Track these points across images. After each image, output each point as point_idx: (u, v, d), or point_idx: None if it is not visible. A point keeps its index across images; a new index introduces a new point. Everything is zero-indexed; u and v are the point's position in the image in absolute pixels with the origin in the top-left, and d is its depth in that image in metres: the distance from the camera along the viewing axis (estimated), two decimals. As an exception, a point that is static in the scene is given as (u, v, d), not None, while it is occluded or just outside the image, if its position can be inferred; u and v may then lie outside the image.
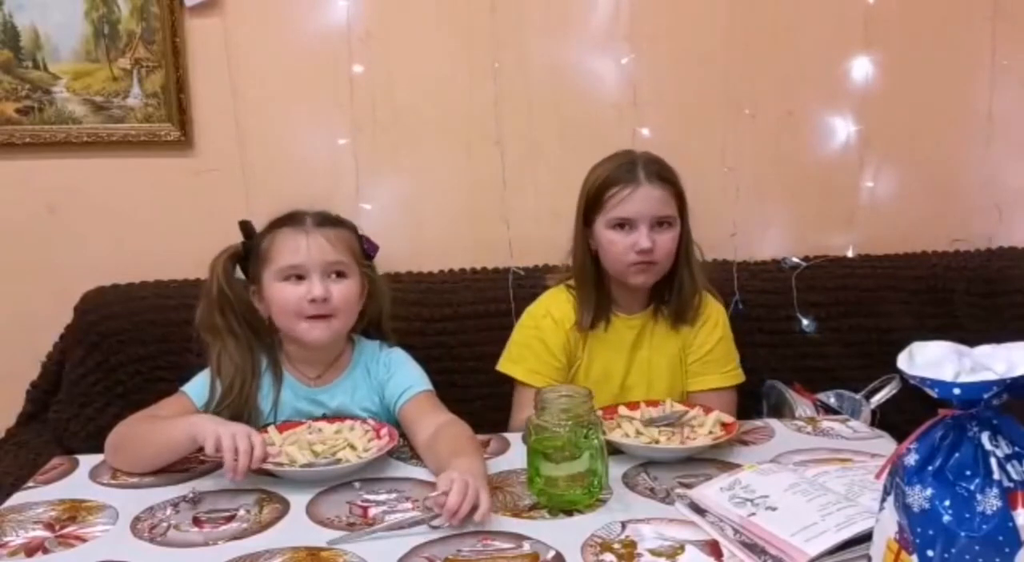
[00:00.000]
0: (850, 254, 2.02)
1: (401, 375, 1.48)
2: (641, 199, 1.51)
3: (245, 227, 1.46)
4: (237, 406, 1.41)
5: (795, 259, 1.95)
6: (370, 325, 1.55)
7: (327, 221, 1.45)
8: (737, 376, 1.64)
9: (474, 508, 1.09)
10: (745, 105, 1.97)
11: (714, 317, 1.64)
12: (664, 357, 1.62)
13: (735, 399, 1.63)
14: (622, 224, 1.52)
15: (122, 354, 1.78)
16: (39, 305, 1.91)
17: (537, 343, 1.60)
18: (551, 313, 1.61)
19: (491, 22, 1.90)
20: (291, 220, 1.44)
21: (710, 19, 1.95)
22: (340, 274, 1.42)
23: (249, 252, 1.46)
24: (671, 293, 1.60)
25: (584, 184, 1.59)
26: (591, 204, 1.56)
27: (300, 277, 1.40)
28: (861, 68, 1.99)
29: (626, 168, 1.54)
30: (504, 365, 1.63)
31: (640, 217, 1.51)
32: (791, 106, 2.01)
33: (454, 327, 1.82)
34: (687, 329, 1.62)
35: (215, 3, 1.87)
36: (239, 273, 1.47)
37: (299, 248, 1.40)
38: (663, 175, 1.54)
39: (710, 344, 1.62)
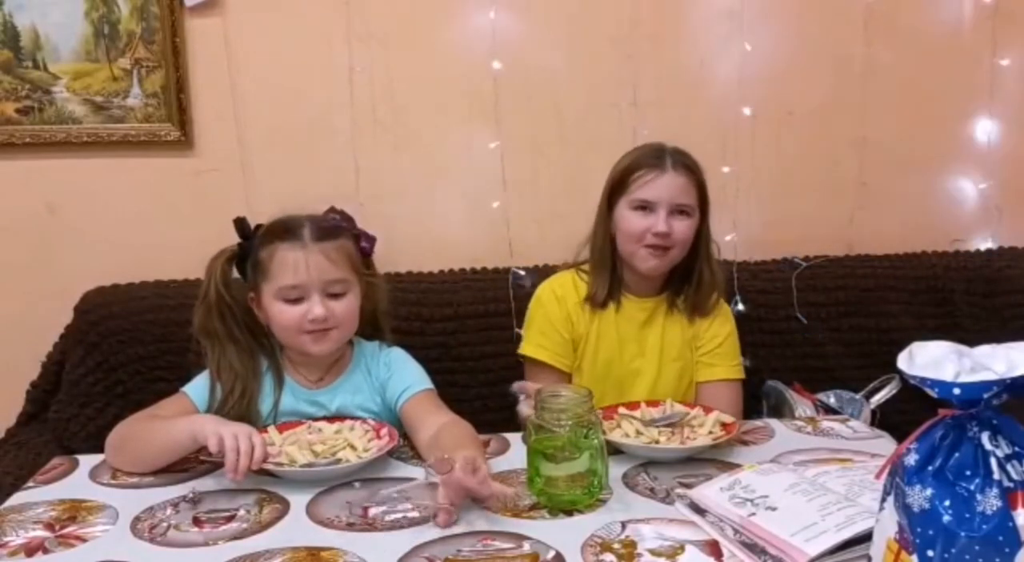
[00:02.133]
0: (850, 254, 2.02)
1: (402, 374, 1.48)
2: (664, 184, 1.55)
3: (240, 225, 1.44)
4: (239, 411, 1.40)
5: (795, 259, 1.95)
6: (363, 323, 1.52)
7: (326, 233, 1.41)
8: (741, 371, 1.66)
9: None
10: (745, 105, 1.97)
11: (724, 312, 1.67)
12: (674, 346, 1.63)
13: (741, 392, 1.65)
14: (643, 206, 1.56)
15: (122, 354, 1.78)
16: (39, 305, 1.91)
17: (541, 319, 1.63)
18: (554, 290, 1.64)
19: (491, 22, 1.90)
20: (288, 233, 1.39)
21: (710, 19, 1.95)
22: (339, 294, 1.40)
23: (246, 253, 1.44)
24: (690, 286, 1.62)
25: (612, 170, 1.62)
26: (616, 187, 1.60)
27: (299, 298, 1.38)
28: (861, 68, 1.99)
29: (654, 155, 1.58)
30: (520, 347, 1.65)
31: (660, 201, 1.54)
32: (791, 106, 2.01)
33: (454, 327, 1.82)
34: (699, 321, 1.64)
35: (215, 3, 1.87)
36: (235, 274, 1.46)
37: (298, 268, 1.36)
38: (688, 165, 1.58)
39: (721, 337, 1.64)
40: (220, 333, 1.43)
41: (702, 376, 1.64)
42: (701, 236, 1.60)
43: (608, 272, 1.61)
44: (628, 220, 1.57)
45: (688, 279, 1.62)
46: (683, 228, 1.55)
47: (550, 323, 1.62)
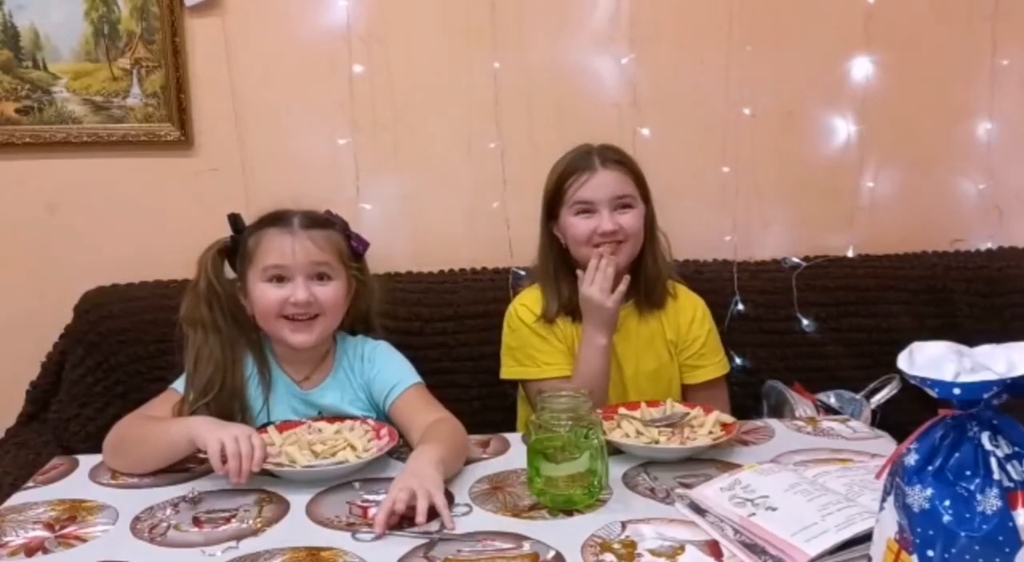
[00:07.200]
0: (850, 254, 2.02)
1: (388, 370, 1.47)
2: (599, 182, 1.55)
3: (234, 220, 1.44)
4: (219, 404, 1.38)
5: (795, 259, 1.95)
6: (356, 322, 1.54)
7: (314, 223, 1.43)
8: (726, 364, 1.67)
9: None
10: (745, 105, 1.97)
11: (700, 310, 1.66)
12: (652, 349, 1.63)
13: (726, 386, 1.67)
14: (586, 210, 1.56)
15: (122, 354, 1.78)
16: (39, 305, 1.90)
17: (513, 339, 1.62)
18: (517, 311, 1.63)
19: (491, 22, 1.90)
20: (278, 220, 1.42)
21: (710, 19, 1.95)
22: (325, 276, 1.41)
23: (237, 246, 1.44)
24: (639, 279, 1.61)
25: (546, 182, 1.62)
26: (553, 198, 1.60)
27: (283, 278, 1.39)
28: (861, 68, 1.99)
29: (582, 158, 1.58)
30: (502, 372, 1.64)
31: (600, 199, 1.55)
32: (791, 106, 2.01)
33: (454, 327, 1.82)
34: (667, 320, 1.63)
35: (215, 3, 1.87)
36: (227, 268, 1.46)
37: (284, 249, 1.38)
38: (619, 159, 1.59)
39: (702, 337, 1.64)
40: (206, 322, 1.41)
41: (691, 379, 1.64)
42: (647, 225, 1.59)
43: (556, 288, 1.59)
44: (575, 226, 1.56)
45: (638, 271, 1.61)
46: (630, 220, 1.55)
47: (530, 342, 1.59)
